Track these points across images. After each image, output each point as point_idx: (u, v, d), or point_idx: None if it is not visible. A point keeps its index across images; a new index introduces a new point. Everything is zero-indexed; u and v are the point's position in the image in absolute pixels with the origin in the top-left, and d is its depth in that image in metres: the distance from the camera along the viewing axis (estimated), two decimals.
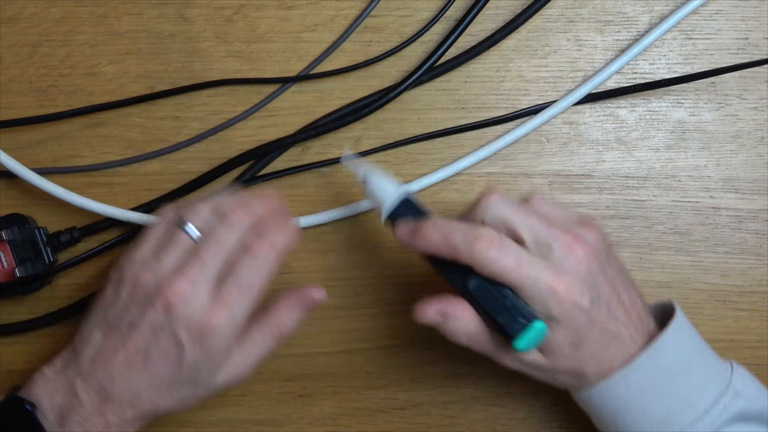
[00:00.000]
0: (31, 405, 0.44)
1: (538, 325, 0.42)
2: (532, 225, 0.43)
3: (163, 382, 0.44)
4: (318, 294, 0.48)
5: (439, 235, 0.43)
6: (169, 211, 0.47)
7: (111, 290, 0.46)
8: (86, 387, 0.44)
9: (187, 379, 0.44)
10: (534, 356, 0.44)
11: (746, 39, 0.54)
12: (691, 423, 0.43)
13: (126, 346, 0.44)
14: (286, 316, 0.47)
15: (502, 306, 0.42)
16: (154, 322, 0.44)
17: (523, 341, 0.42)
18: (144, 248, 0.46)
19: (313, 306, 0.48)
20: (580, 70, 0.55)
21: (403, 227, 0.45)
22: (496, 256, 0.42)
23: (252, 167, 0.54)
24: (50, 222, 0.54)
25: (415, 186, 0.53)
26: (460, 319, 0.44)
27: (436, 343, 0.54)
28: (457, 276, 0.43)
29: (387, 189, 0.46)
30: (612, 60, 0.54)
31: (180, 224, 0.45)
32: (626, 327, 0.44)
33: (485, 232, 0.42)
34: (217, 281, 0.44)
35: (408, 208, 0.46)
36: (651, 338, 0.44)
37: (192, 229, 0.45)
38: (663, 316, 0.47)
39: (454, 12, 0.54)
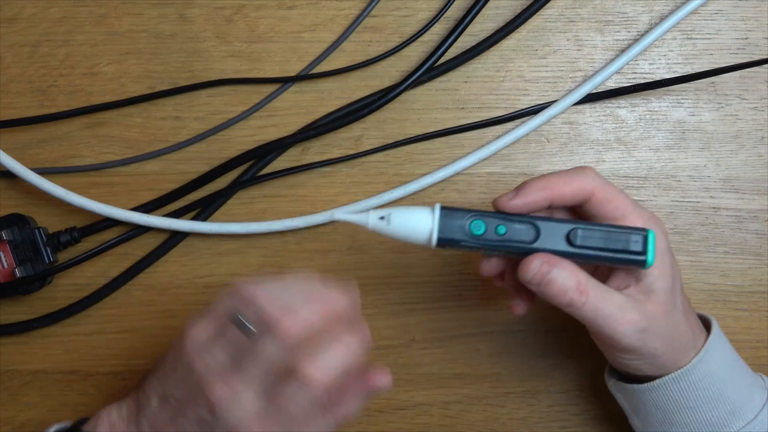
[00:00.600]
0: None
1: (650, 234, 0.41)
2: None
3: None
4: (384, 380, 0.42)
5: (552, 176, 0.42)
6: (230, 294, 0.41)
7: (171, 358, 0.42)
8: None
9: None
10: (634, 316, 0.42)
11: (746, 39, 0.54)
12: (743, 427, 0.44)
13: (176, 425, 0.41)
14: (350, 407, 0.41)
15: (613, 237, 0.41)
16: (199, 416, 0.41)
17: (650, 253, 0.41)
18: (203, 328, 0.41)
19: (376, 393, 0.42)
20: (580, 70, 0.55)
21: (503, 199, 0.42)
22: (603, 180, 0.42)
23: (252, 167, 0.54)
24: (50, 222, 0.54)
25: (414, 186, 0.53)
26: (566, 268, 0.41)
27: (436, 343, 0.54)
28: (555, 238, 0.42)
29: (418, 214, 0.42)
30: (612, 60, 0.54)
31: (233, 318, 0.40)
32: (692, 325, 0.45)
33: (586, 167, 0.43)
34: (265, 385, 0.39)
35: (454, 215, 0.42)
36: (704, 341, 0.45)
37: (245, 325, 0.40)
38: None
39: (454, 12, 0.54)
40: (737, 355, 0.47)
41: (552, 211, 0.44)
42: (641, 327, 0.42)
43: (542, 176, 0.43)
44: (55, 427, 0.45)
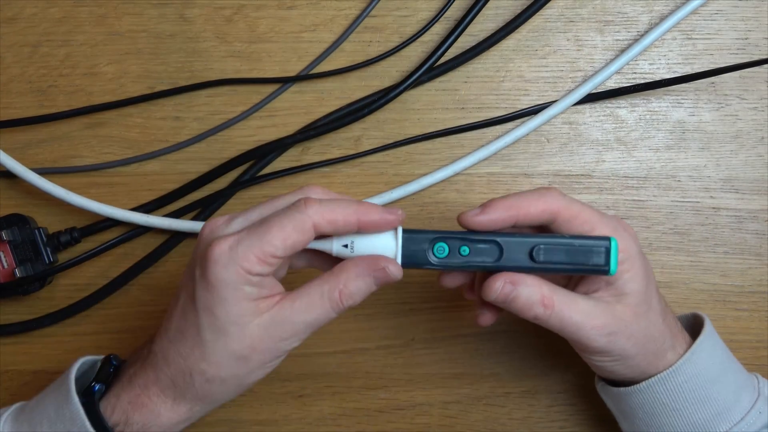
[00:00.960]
0: (118, 360, 0.45)
1: (612, 243, 0.42)
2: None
3: (187, 329, 0.41)
4: (394, 271, 0.42)
5: (516, 196, 0.43)
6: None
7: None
8: (147, 346, 0.44)
9: (208, 327, 0.40)
10: (606, 320, 0.43)
11: (746, 39, 0.54)
12: (729, 429, 0.44)
13: (175, 297, 0.43)
14: (351, 282, 0.41)
15: (575, 250, 0.42)
16: (188, 266, 0.42)
17: (613, 264, 0.42)
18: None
19: (386, 282, 0.42)
20: (580, 70, 0.55)
21: (468, 215, 0.42)
22: (567, 199, 0.43)
23: (252, 167, 0.54)
24: (50, 222, 0.54)
25: (415, 186, 0.53)
26: (529, 284, 0.42)
27: (436, 343, 0.55)
28: (518, 256, 0.42)
29: (381, 240, 0.42)
30: (612, 60, 0.54)
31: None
32: (670, 326, 0.45)
33: (551, 188, 0.43)
34: None
35: (416, 239, 0.42)
36: (688, 343, 0.45)
37: None
38: (690, 326, 0.48)
39: (454, 12, 0.54)
40: (730, 355, 0.47)
41: (517, 229, 0.44)
42: (608, 331, 0.42)
43: (508, 195, 0.43)
44: (81, 360, 0.45)
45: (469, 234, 0.42)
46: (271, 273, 0.41)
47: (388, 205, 0.53)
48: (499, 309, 0.46)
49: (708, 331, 0.46)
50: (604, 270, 0.42)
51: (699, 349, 0.45)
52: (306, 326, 0.42)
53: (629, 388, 0.45)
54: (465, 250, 0.42)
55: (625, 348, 0.43)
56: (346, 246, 0.42)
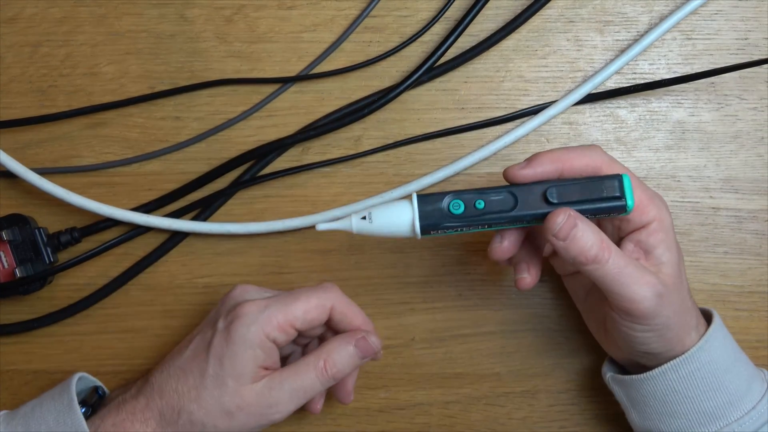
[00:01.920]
0: (103, 392, 0.50)
1: (624, 178, 0.42)
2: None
3: (190, 370, 0.45)
4: (375, 342, 0.47)
5: (560, 149, 0.44)
6: None
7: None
8: (145, 377, 0.47)
9: (212, 374, 0.44)
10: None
11: (746, 39, 0.54)
12: (740, 418, 0.44)
13: (185, 339, 0.47)
14: (335, 351, 0.46)
15: (589, 187, 0.42)
16: (212, 315, 0.47)
17: (629, 198, 0.42)
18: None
19: (369, 356, 0.47)
20: (580, 70, 0.55)
21: (514, 168, 0.43)
22: (610, 157, 0.44)
23: (252, 167, 0.54)
24: (50, 222, 0.54)
25: (414, 186, 0.53)
26: (590, 224, 0.42)
27: (436, 343, 0.55)
28: (534, 201, 0.42)
29: (397, 207, 0.43)
30: (612, 60, 0.54)
31: None
32: (694, 305, 0.46)
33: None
34: None
35: (431, 200, 0.43)
36: (704, 329, 0.46)
37: None
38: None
39: (454, 12, 0.54)
40: (738, 348, 0.47)
41: None
42: (659, 291, 0.42)
43: (553, 149, 0.44)
44: (79, 375, 0.48)
45: (482, 188, 0.43)
46: (285, 343, 0.45)
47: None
48: (539, 270, 0.46)
49: (719, 322, 0.46)
50: (621, 205, 0.42)
51: (712, 337, 0.45)
52: (292, 394, 0.45)
53: (642, 375, 0.45)
54: (480, 203, 0.42)
55: (669, 316, 0.43)
56: (364, 218, 0.43)
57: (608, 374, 0.49)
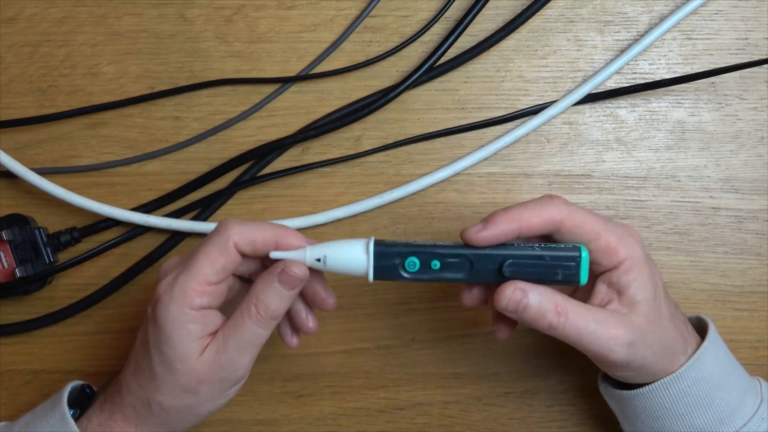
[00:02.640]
0: (90, 389, 0.49)
1: (583, 252, 0.42)
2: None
3: (142, 363, 0.44)
4: (296, 269, 0.43)
5: (519, 208, 0.43)
6: None
7: None
8: (118, 375, 0.47)
9: (159, 363, 0.43)
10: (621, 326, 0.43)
11: (746, 39, 0.54)
12: None
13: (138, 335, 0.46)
14: (262, 293, 0.43)
15: (546, 263, 0.42)
16: (148, 312, 0.46)
17: (583, 274, 0.42)
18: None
19: (294, 283, 0.43)
20: (580, 70, 0.55)
21: (471, 231, 0.42)
22: (574, 205, 0.43)
23: (252, 167, 0.54)
24: (50, 222, 0.54)
25: (415, 186, 0.53)
26: (541, 292, 0.42)
27: (436, 343, 0.55)
28: (488, 272, 0.42)
29: (353, 253, 0.43)
30: (612, 60, 0.54)
31: None
32: (681, 330, 0.45)
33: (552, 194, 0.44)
34: None
35: (387, 254, 0.43)
36: (697, 347, 0.45)
37: None
38: (694, 330, 0.47)
39: (454, 12, 0.54)
40: (733, 359, 0.47)
41: (522, 240, 0.44)
42: (627, 340, 0.42)
43: (510, 207, 0.43)
44: (71, 384, 0.48)
45: (439, 248, 0.43)
46: (212, 304, 0.43)
47: (387, 206, 0.54)
48: (514, 321, 0.46)
49: (712, 335, 0.46)
50: (574, 281, 0.42)
51: (703, 354, 0.44)
52: (240, 349, 0.43)
53: (633, 391, 0.45)
54: (436, 264, 0.43)
55: (645, 357, 0.43)
56: (319, 260, 0.43)
57: (602, 385, 0.49)
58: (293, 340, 0.48)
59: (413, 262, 0.43)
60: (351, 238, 0.44)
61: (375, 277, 0.42)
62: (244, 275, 0.46)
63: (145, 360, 0.44)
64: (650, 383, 0.44)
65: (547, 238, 0.44)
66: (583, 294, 0.44)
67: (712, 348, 0.45)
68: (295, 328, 0.48)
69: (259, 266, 0.46)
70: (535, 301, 0.41)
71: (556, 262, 0.42)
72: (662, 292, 0.44)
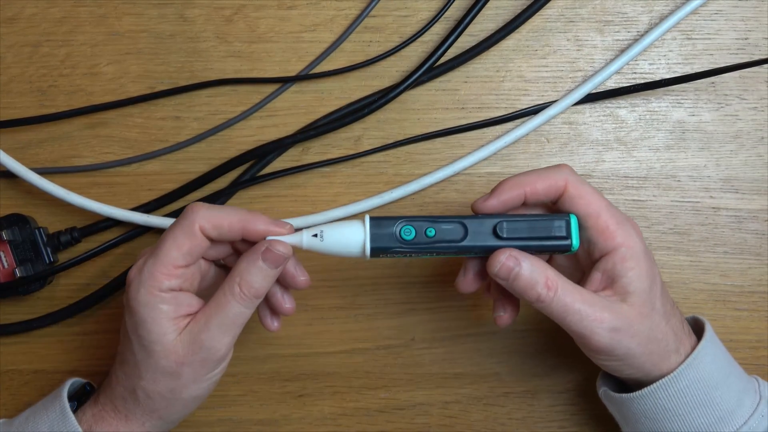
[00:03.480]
0: (90, 386, 0.50)
1: (572, 218, 0.43)
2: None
3: (123, 352, 0.45)
4: (277, 246, 0.43)
5: (524, 174, 0.44)
6: None
7: None
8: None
9: (137, 349, 0.43)
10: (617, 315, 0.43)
11: (746, 39, 0.54)
12: None
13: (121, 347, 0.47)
14: (245, 271, 0.43)
15: (537, 226, 0.43)
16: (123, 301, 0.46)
17: (574, 239, 0.43)
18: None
19: (278, 261, 0.43)
20: (580, 70, 0.55)
21: (479, 201, 0.44)
22: (577, 177, 0.44)
23: (252, 167, 0.54)
24: (50, 222, 0.54)
25: (415, 186, 0.53)
26: (533, 263, 0.42)
27: (436, 343, 0.55)
28: (482, 234, 0.43)
29: (349, 227, 0.43)
30: (612, 60, 0.54)
31: None
32: (675, 328, 0.45)
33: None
34: None
35: (383, 224, 0.43)
36: (692, 348, 0.45)
37: None
38: (694, 329, 0.48)
39: (454, 12, 0.54)
40: (731, 359, 0.47)
41: (528, 208, 0.45)
42: (613, 326, 0.42)
43: (518, 174, 0.44)
44: (71, 381, 0.49)
45: (434, 217, 0.43)
46: (181, 286, 0.43)
47: (386, 206, 0.53)
48: (516, 308, 0.47)
49: (709, 335, 0.46)
50: (566, 245, 0.43)
51: (701, 353, 0.44)
52: (222, 328, 0.43)
53: (632, 394, 0.45)
54: (431, 231, 0.43)
55: (630, 347, 0.43)
56: (315, 236, 0.43)
57: (601, 389, 0.49)
58: (273, 324, 0.48)
59: (408, 230, 0.43)
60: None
61: (372, 248, 0.43)
62: (218, 260, 0.47)
63: (127, 348, 0.44)
64: (646, 383, 0.44)
65: (553, 211, 0.45)
66: (578, 280, 0.44)
67: (710, 347, 0.45)
68: (274, 311, 0.47)
69: (230, 251, 0.46)
70: (527, 270, 0.42)
71: (549, 223, 0.43)
72: (659, 289, 0.44)
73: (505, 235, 0.43)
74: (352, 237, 0.43)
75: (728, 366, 0.46)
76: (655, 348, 0.44)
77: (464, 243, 0.43)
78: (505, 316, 0.47)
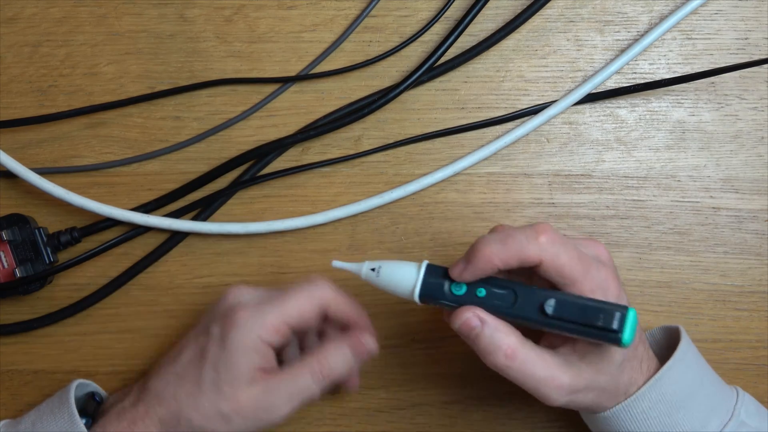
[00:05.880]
0: (100, 398, 0.50)
1: (632, 312, 0.40)
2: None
3: (186, 376, 0.45)
4: (369, 342, 0.46)
5: (498, 243, 0.41)
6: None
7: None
8: (141, 382, 0.47)
9: (208, 381, 0.44)
10: (585, 374, 0.42)
11: (746, 39, 0.54)
12: None
13: (179, 342, 0.47)
14: (331, 355, 0.45)
15: (590, 308, 0.41)
16: (206, 319, 0.46)
17: (627, 333, 0.40)
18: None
19: (365, 357, 0.46)
20: (580, 70, 0.55)
21: (457, 266, 0.43)
22: (562, 244, 0.41)
23: (252, 167, 0.54)
24: (50, 222, 0.54)
25: (415, 186, 0.53)
26: (498, 329, 0.41)
27: (436, 343, 0.55)
28: (530, 306, 0.42)
29: (405, 269, 0.44)
30: (612, 60, 0.54)
31: None
32: (631, 370, 0.44)
33: (544, 224, 0.42)
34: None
35: (437, 272, 0.44)
36: (655, 368, 0.45)
37: None
38: (669, 341, 0.47)
39: (454, 12, 0.54)
40: (706, 372, 0.46)
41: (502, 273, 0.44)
42: (571, 390, 0.42)
43: (491, 242, 0.42)
44: (77, 382, 0.49)
45: (491, 278, 0.43)
46: (276, 344, 0.45)
47: (386, 206, 0.54)
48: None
49: (679, 353, 0.45)
50: (615, 338, 0.40)
51: (665, 375, 0.44)
52: (288, 397, 0.44)
53: (596, 415, 0.45)
54: (481, 292, 0.43)
55: (584, 402, 0.43)
56: (373, 270, 0.44)
57: None
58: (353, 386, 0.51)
59: (459, 286, 0.43)
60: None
61: (421, 292, 0.43)
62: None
63: (194, 375, 0.44)
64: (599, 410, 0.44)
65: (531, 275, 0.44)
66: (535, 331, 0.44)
67: (676, 368, 0.45)
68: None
69: (318, 323, 0.48)
70: (488, 333, 0.41)
71: (602, 310, 0.40)
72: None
73: (551, 313, 0.41)
74: (405, 279, 0.44)
75: (696, 385, 0.45)
76: (607, 395, 0.43)
77: (510, 311, 0.42)
78: None
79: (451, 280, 0.43)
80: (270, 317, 0.44)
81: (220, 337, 0.44)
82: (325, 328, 0.49)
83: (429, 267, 0.44)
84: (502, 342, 0.41)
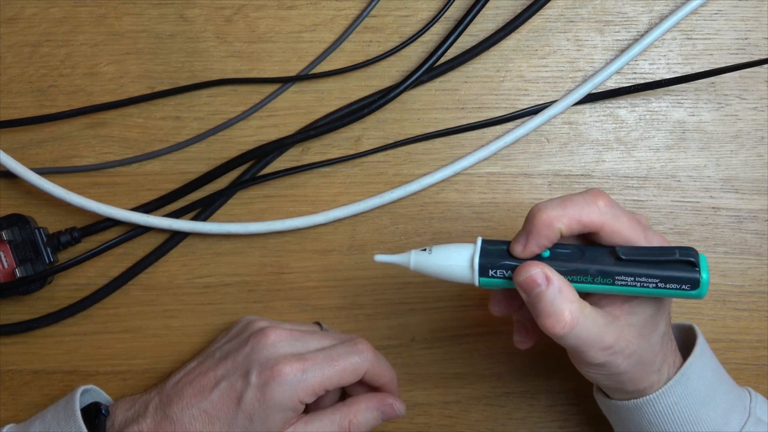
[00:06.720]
0: (106, 410, 0.48)
1: (702, 256, 0.39)
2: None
3: (217, 417, 0.45)
4: (400, 408, 0.48)
5: (558, 207, 0.40)
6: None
7: (227, 331, 0.51)
8: (157, 404, 0.46)
9: (240, 428, 0.44)
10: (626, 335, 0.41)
11: (746, 39, 0.54)
12: None
13: (206, 373, 0.46)
14: (361, 414, 0.46)
15: (665, 248, 0.39)
16: (241, 356, 0.46)
17: (704, 273, 0.39)
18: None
19: (391, 417, 0.48)
20: (580, 70, 0.55)
21: (518, 243, 0.41)
22: (619, 208, 0.41)
23: (252, 167, 0.54)
24: (50, 222, 0.54)
25: (415, 186, 0.53)
26: (563, 292, 0.39)
27: (436, 343, 0.55)
28: (601, 256, 0.40)
29: (458, 247, 0.42)
30: (612, 60, 0.54)
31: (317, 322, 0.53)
32: (666, 348, 0.44)
33: (597, 189, 0.41)
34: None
35: (492, 244, 0.42)
36: (680, 364, 0.45)
37: (324, 325, 0.52)
38: (683, 338, 0.47)
39: (454, 12, 0.54)
40: (721, 372, 0.46)
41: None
42: (613, 351, 0.41)
43: (549, 206, 0.40)
44: (81, 389, 0.49)
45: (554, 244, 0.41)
46: (313, 400, 0.46)
47: (387, 206, 0.54)
48: (537, 333, 0.45)
49: (699, 350, 0.45)
50: (694, 278, 0.39)
51: (689, 370, 0.44)
52: None
53: (621, 403, 0.45)
54: (546, 252, 0.41)
55: (620, 366, 0.42)
56: (424, 250, 0.43)
57: (597, 393, 0.48)
58: None
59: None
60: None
61: (480, 264, 0.41)
62: None
63: (226, 417, 0.45)
64: (620, 395, 0.44)
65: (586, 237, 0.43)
66: None
67: (698, 364, 0.45)
68: None
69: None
70: (552, 294, 0.39)
71: (674, 247, 0.39)
72: (666, 310, 0.43)
73: (624, 257, 0.39)
74: (460, 252, 0.42)
75: (717, 382, 0.45)
76: (641, 369, 0.43)
77: (580, 263, 0.40)
78: (524, 342, 0.46)
79: (512, 256, 0.41)
80: (312, 382, 0.45)
81: (259, 389, 0.44)
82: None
83: (485, 242, 0.42)
84: (563, 307, 0.39)
